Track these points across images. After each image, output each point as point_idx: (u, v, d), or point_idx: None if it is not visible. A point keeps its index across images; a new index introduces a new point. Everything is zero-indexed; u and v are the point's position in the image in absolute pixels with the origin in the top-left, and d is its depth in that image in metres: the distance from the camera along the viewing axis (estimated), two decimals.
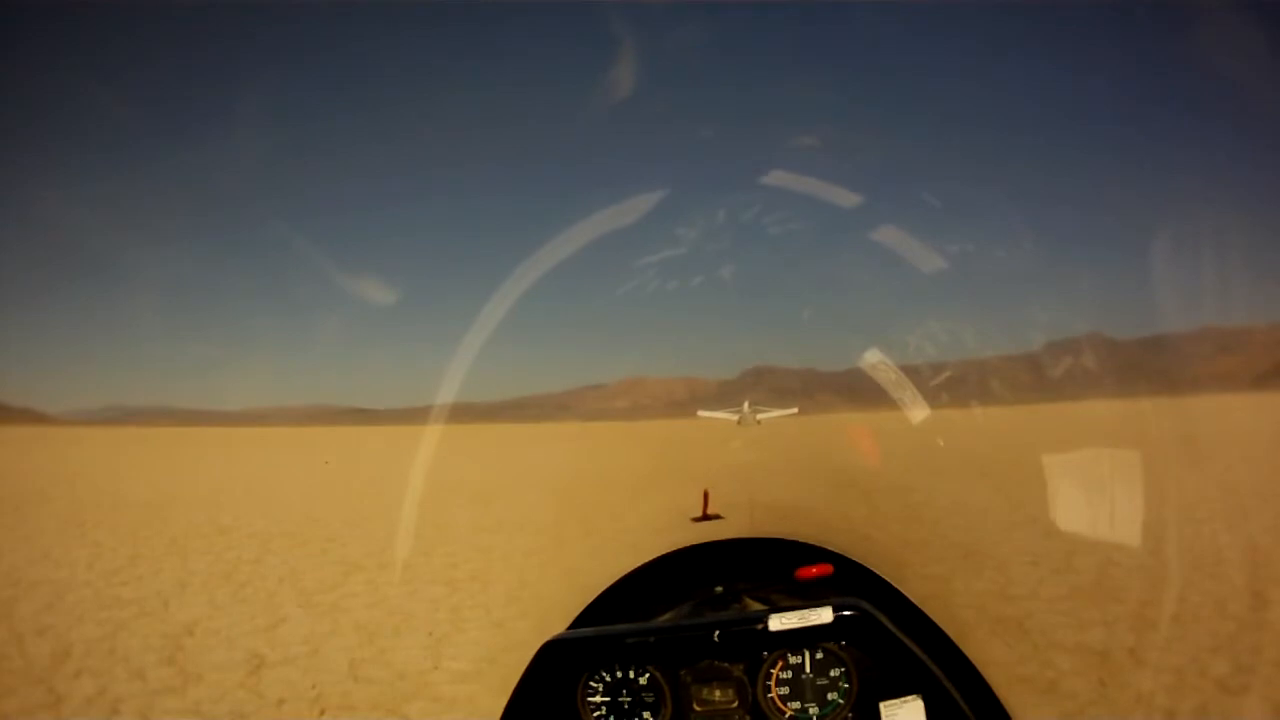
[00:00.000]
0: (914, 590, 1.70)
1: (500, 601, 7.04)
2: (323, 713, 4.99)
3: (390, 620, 6.67)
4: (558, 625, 1.62)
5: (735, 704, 1.54)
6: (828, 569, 1.76)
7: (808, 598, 1.62)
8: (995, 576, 7.06)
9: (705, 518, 9.77)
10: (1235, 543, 7.77)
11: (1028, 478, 10.85)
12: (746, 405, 26.88)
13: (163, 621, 7.05)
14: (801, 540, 1.87)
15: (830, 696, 1.54)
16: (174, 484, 18.64)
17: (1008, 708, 1.54)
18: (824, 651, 1.54)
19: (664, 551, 1.90)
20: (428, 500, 11.53)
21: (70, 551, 10.16)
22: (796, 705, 1.54)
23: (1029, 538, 8.30)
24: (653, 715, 1.55)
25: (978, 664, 1.58)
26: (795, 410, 29.24)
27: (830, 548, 1.85)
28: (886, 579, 1.76)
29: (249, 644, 6.23)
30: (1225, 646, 5.09)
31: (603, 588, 1.81)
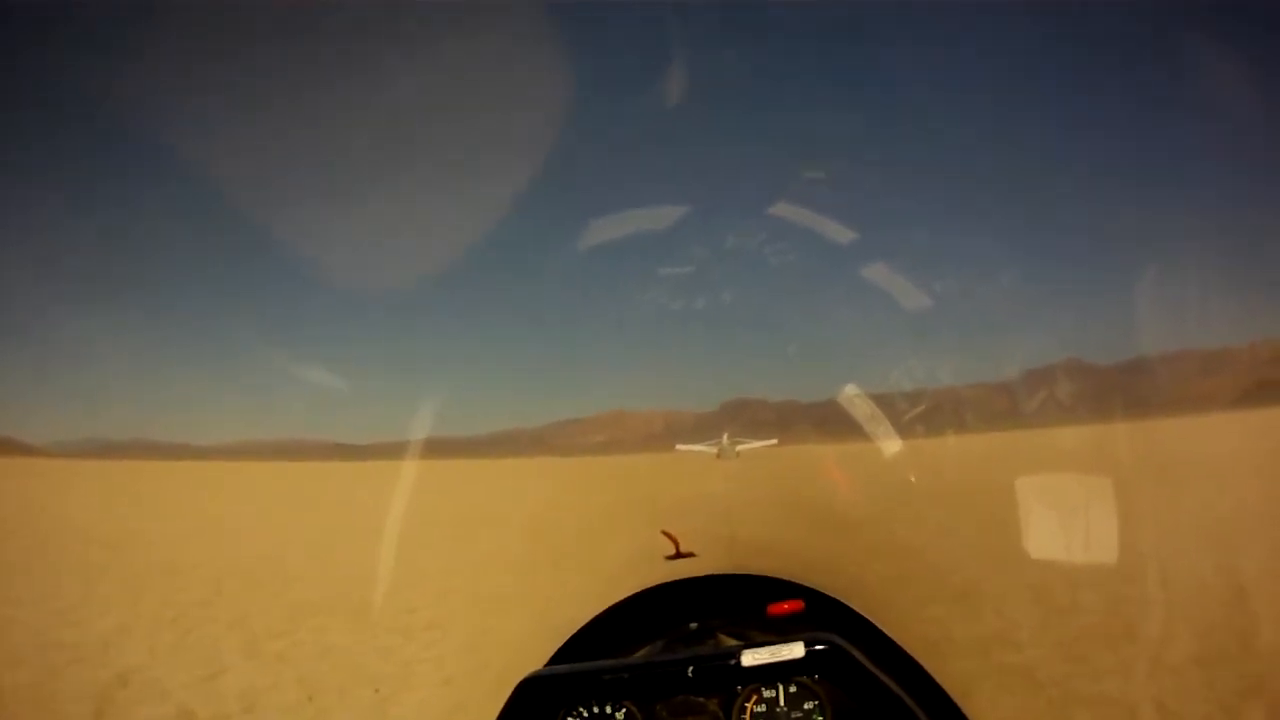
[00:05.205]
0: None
1: (456, 653, 6.57)
2: None
3: (335, 675, 6.18)
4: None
5: None
6: (799, 605, 1.76)
7: (783, 632, 1.63)
8: (994, 621, 6.65)
9: (678, 555, 9.62)
10: (1253, 570, 7.35)
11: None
12: (725, 437, 27.12)
13: (98, 669, 6.59)
14: (775, 576, 1.88)
15: None
16: (141, 519, 17.97)
17: None
18: (797, 685, 1.56)
19: (638, 589, 1.91)
20: (396, 540, 11.09)
21: (21, 589, 9.63)
22: None
23: (1027, 574, 7.89)
24: None
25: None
26: (774, 441, 29.32)
27: (806, 583, 1.85)
28: (859, 611, 1.78)
29: (181, 698, 5.76)
30: (1256, 689, 4.73)
31: (569, 635, 1.81)
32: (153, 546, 13.17)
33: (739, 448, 26.98)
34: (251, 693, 5.82)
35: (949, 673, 1.65)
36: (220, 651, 6.92)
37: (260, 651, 6.89)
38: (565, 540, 12.53)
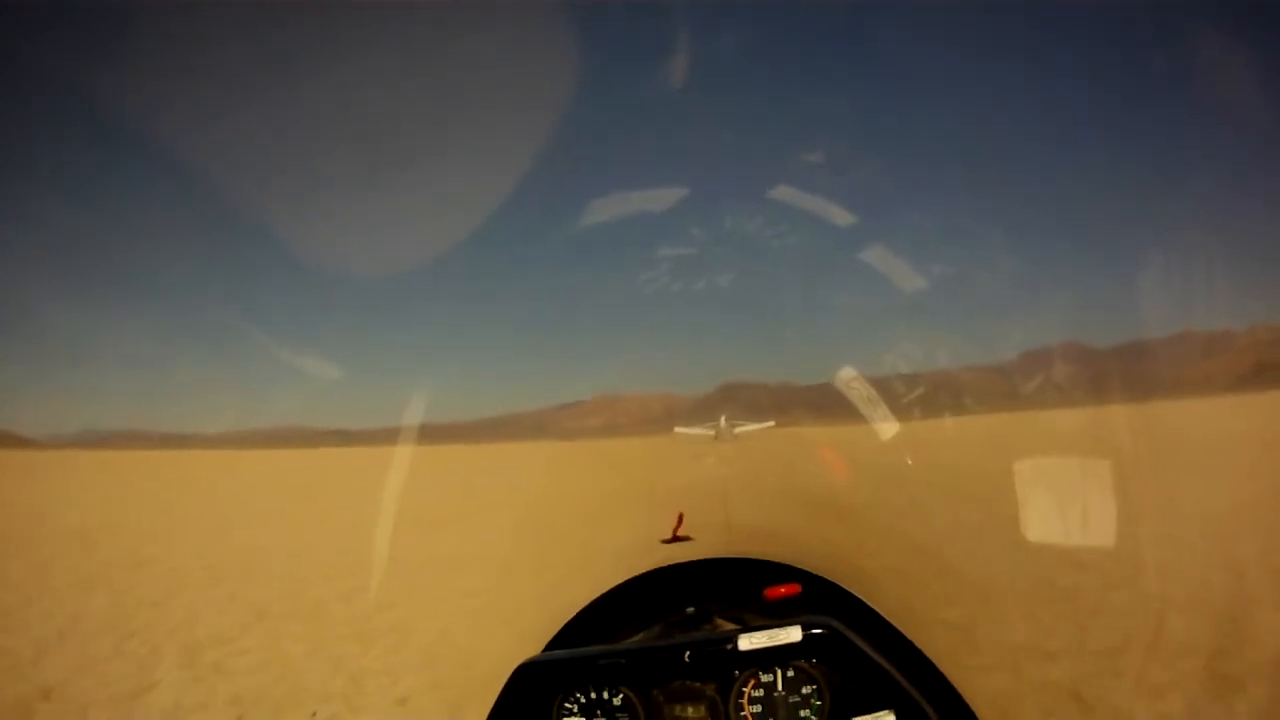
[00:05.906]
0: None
1: (414, 665, 5.71)
2: None
3: (274, 691, 5.34)
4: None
5: None
6: (796, 588, 1.74)
7: (781, 617, 1.59)
8: (1022, 625, 5.88)
9: (675, 539, 9.15)
10: (1253, 557, 6.71)
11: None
12: (723, 420, 27.43)
13: (23, 682, 5.88)
14: (772, 559, 1.84)
15: (803, 714, 1.53)
16: (114, 511, 17.22)
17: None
18: (795, 670, 1.54)
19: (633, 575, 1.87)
20: (373, 533, 10.37)
21: None
22: None
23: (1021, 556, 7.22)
24: None
25: None
26: (772, 423, 29.44)
27: (802, 567, 1.80)
28: (857, 595, 1.73)
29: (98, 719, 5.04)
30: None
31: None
32: (120, 540, 12.43)
33: (737, 430, 27.33)
34: (175, 713, 5.05)
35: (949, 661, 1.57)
36: (156, 662, 6.14)
37: (197, 661, 6.06)
38: (556, 530, 11.78)
